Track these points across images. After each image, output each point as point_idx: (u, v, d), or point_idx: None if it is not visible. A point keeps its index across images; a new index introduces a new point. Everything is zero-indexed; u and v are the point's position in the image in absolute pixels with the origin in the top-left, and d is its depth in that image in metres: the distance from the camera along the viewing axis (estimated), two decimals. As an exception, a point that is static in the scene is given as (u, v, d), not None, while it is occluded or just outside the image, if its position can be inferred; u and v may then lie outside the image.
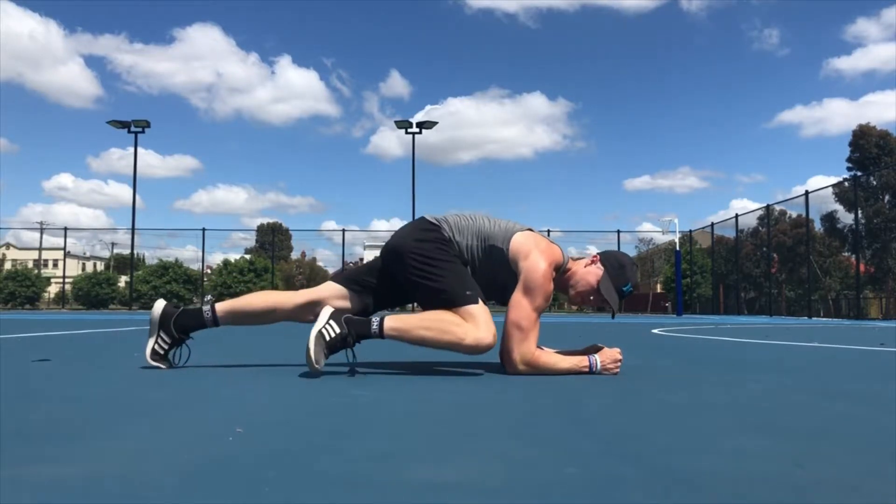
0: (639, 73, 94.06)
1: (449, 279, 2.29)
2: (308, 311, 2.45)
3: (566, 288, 2.45)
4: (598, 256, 2.45)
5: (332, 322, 2.23)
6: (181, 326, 2.36)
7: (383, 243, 2.86)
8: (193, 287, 29.03)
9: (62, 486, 0.89)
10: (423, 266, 2.31)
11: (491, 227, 2.38)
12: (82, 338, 4.74)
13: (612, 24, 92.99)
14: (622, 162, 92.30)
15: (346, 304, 2.46)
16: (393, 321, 2.27)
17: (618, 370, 2.29)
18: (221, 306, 2.42)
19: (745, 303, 28.03)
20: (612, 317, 2.52)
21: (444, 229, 2.37)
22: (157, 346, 2.36)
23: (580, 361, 2.29)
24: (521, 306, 2.26)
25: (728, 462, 1.06)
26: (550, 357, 2.30)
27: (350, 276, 2.54)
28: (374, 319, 2.28)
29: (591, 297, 2.41)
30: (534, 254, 2.29)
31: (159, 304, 2.40)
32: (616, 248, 29.65)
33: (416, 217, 2.50)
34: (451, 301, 2.28)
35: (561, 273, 2.41)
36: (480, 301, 2.30)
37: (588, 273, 2.40)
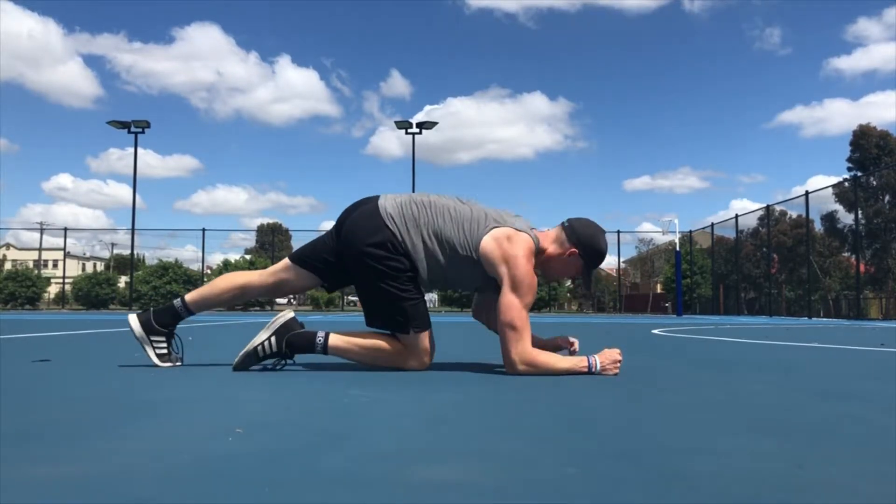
0: (640, 73, 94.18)
1: (412, 303, 2.33)
2: (275, 291, 2.57)
3: (542, 270, 2.47)
4: (576, 250, 2.40)
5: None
6: (161, 322, 2.43)
7: None
8: (194, 287, 29.00)
9: (62, 486, 0.89)
10: (386, 279, 2.30)
11: (456, 233, 2.32)
12: (82, 338, 4.74)
13: (614, 24, 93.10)
14: (623, 162, 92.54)
15: (306, 283, 2.52)
16: (337, 340, 2.36)
17: (617, 371, 2.29)
18: (190, 296, 2.50)
19: (745, 303, 28.01)
20: (589, 292, 2.56)
21: (395, 233, 2.31)
22: (158, 351, 2.42)
23: (579, 361, 2.29)
24: (511, 306, 2.26)
25: (728, 462, 1.06)
26: (550, 357, 2.30)
27: (310, 256, 2.51)
28: (320, 337, 2.35)
29: (570, 277, 2.53)
30: (510, 258, 2.27)
31: (133, 319, 2.42)
32: (621, 249, 29.30)
33: (369, 199, 2.43)
34: (402, 325, 2.34)
35: (537, 255, 2.40)
36: (425, 329, 2.37)
37: (569, 265, 2.44)
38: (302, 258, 2.51)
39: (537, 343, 2.46)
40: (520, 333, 2.26)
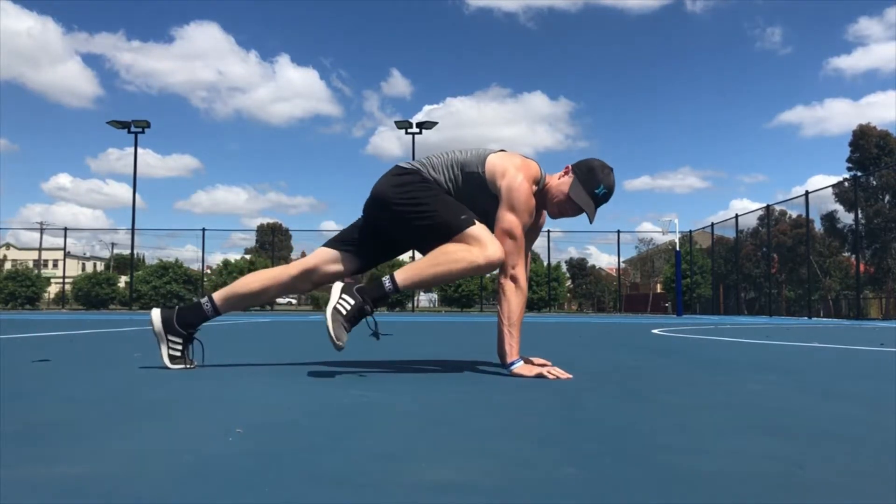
0: (640, 72, 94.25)
1: (441, 212, 2.28)
2: (304, 281, 2.46)
3: (546, 204, 2.48)
4: (570, 166, 2.46)
5: (344, 296, 2.18)
6: (184, 323, 2.37)
7: None
8: (193, 287, 29.02)
9: (62, 486, 0.89)
10: (413, 208, 2.30)
11: (464, 155, 2.37)
12: (82, 338, 4.74)
13: (615, 23, 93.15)
14: (623, 162, 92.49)
15: (339, 266, 2.45)
16: (402, 272, 2.24)
17: (537, 375, 2.21)
18: (218, 294, 2.44)
19: (745, 303, 28.01)
20: (591, 222, 2.48)
21: (421, 171, 2.36)
22: (171, 351, 2.35)
23: (514, 354, 2.28)
24: (508, 218, 2.29)
25: (728, 462, 1.06)
26: (518, 327, 2.31)
27: (341, 238, 2.52)
28: (385, 279, 2.24)
29: (568, 208, 2.43)
30: (510, 171, 2.31)
31: (156, 313, 2.39)
32: (621, 249, 29.46)
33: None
34: (448, 232, 2.26)
35: (540, 188, 2.42)
36: (477, 222, 2.27)
37: (561, 184, 2.43)
38: (332, 240, 2.52)
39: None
40: (518, 244, 2.30)
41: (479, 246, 2.21)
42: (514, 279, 2.31)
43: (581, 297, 50.23)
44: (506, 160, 2.34)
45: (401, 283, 2.22)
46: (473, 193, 2.35)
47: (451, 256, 2.21)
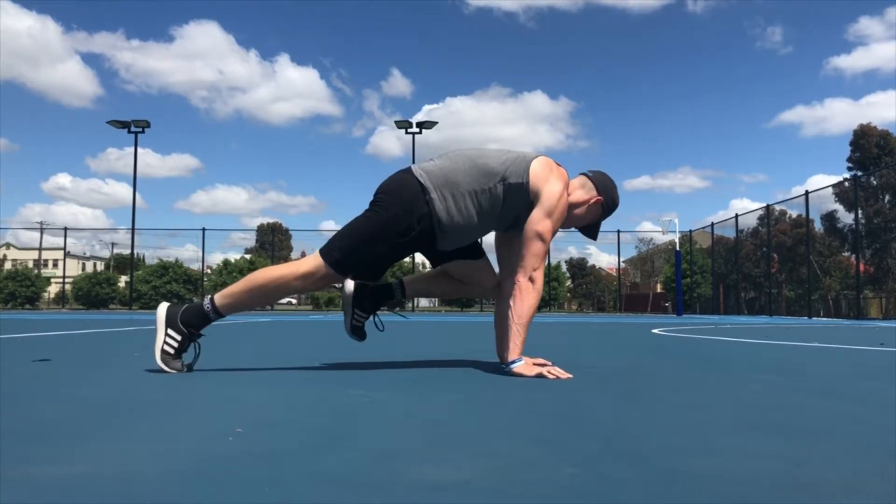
0: (641, 72, 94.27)
1: (352, 231, 2.31)
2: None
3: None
4: (602, 198, 2.48)
5: (170, 332, 2.30)
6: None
7: None
8: (193, 287, 29.04)
9: (62, 486, 0.89)
10: (370, 210, 2.33)
11: (502, 165, 2.33)
12: (82, 338, 4.74)
13: (615, 22, 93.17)
14: (623, 161, 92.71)
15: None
16: (220, 296, 2.34)
17: (537, 374, 2.22)
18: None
19: (745, 303, 28.01)
20: (595, 238, 2.58)
21: (428, 189, 2.29)
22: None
23: (517, 353, 2.29)
24: (545, 223, 2.32)
25: (728, 462, 1.06)
26: (525, 329, 2.33)
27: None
28: (206, 301, 2.33)
29: (580, 225, 2.57)
30: (552, 179, 2.35)
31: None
32: (621, 248, 29.34)
33: (406, 168, 2.43)
34: (331, 239, 2.34)
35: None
36: (332, 267, 2.29)
37: (590, 212, 2.50)
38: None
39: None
40: (545, 248, 2.35)
41: (299, 263, 2.34)
42: (532, 280, 2.34)
43: (581, 297, 50.23)
44: (545, 167, 2.36)
45: (221, 309, 2.33)
46: (514, 203, 2.34)
47: (265, 278, 2.32)
